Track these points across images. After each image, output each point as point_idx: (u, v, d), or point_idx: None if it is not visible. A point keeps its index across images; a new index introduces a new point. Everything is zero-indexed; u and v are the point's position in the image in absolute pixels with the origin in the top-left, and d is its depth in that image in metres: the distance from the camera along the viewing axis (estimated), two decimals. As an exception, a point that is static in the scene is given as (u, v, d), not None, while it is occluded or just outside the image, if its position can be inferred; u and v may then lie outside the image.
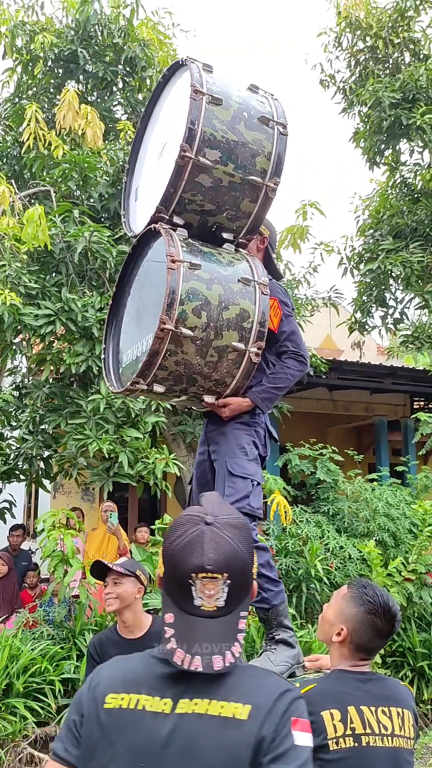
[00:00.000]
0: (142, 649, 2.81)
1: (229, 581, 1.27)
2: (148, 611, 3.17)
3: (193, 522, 1.30)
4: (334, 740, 1.70)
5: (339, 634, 1.88)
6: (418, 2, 10.82)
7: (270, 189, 2.57)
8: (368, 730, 1.73)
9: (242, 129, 2.51)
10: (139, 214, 2.81)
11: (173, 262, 2.34)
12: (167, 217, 2.47)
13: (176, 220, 2.49)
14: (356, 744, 1.71)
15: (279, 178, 2.59)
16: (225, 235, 2.59)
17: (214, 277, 2.44)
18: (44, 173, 7.83)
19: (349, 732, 1.71)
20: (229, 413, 2.56)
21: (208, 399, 2.54)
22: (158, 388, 2.43)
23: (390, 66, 11.20)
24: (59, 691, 5.18)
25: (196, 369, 2.43)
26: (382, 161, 11.37)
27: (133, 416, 6.48)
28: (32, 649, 5.29)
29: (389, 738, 1.75)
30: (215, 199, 2.51)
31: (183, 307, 2.34)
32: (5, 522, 7.77)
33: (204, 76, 2.48)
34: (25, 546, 8.59)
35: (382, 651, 6.13)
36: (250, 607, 2.90)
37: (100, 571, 3.03)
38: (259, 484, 2.56)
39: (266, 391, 2.61)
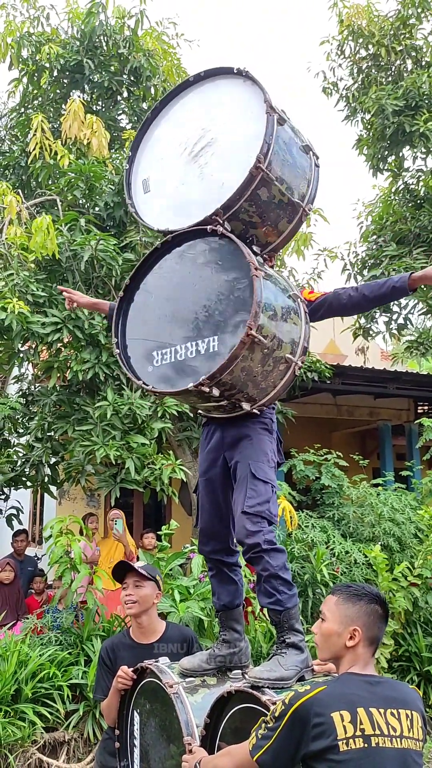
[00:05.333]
0: (156, 654, 2.88)
1: None
2: (159, 616, 3.20)
3: None
4: (344, 741, 1.73)
5: (352, 637, 1.93)
6: (419, 10, 10.89)
7: (304, 213, 2.66)
8: (377, 731, 1.76)
9: (295, 152, 2.60)
10: (154, 208, 2.75)
11: (256, 270, 2.35)
12: (221, 222, 2.49)
13: (227, 225, 2.51)
14: (366, 745, 1.74)
15: (312, 206, 2.68)
16: (254, 248, 2.62)
17: (277, 289, 2.49)
18: (50, 182, 7.90)
19: (358, 733, 1.74)
20: None
21: (245, 406, 2.53)
22: (215, 392, 2.39)
23: (392, 73, 11.26)
24: (67, 696, 5.21)
25: (253, 377, 2.44)
26: (386, 168, 11.42)
27: (140, 422, 6.53)
28: (40, 655, 5.32)
29: (398, 739, 1.79)
30: (263, 214, 2.56)
31: (263, 314, 2.35)
32: (12, 528, 7.82)
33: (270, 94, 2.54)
34: (30, 552, 8.63)
35: (388, 655, 6.16)
36: (256, 611, 2.94)
37: (121, 571, 3.04)
38: (276, 491, 2.61)
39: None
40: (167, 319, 2.55)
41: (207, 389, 2.34)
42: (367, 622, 1.94)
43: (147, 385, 2.48)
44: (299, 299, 2.58)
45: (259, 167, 2.41)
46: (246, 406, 2.52)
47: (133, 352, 2.62)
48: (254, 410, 2.57)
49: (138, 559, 6.32)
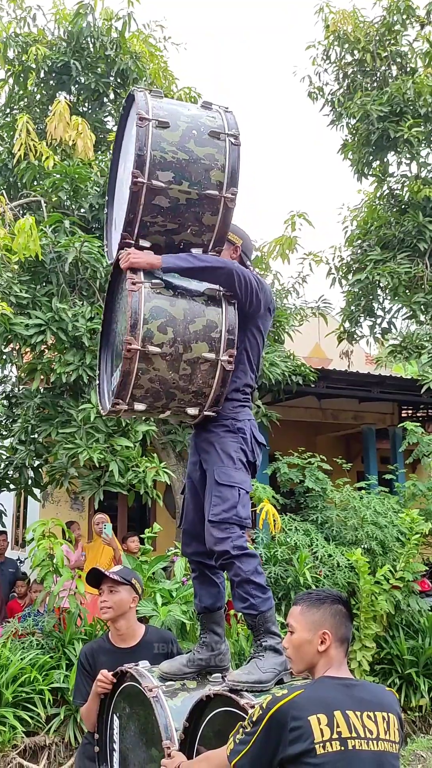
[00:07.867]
0: (136, 658, 2.87)
1: None
2: (139, 619, 3.19)
3: None
4: (321, 744, 1.73)
5: (323, 641, 1.94)
6: (404, 17, 11.00)
7: (228, 200, 2.63)
8: (354, 734, 1.77)
9: (192, 147, 2.57)
10: (114, 243, 2.87)
11: (134, 284, 2.44)
12: (133, 242, 2.56)
13: (143, 243, 2.56)
14: (342, 748, 1.75)
15: (236, 188, 2.64)
16: (194, 251, 2.64)
17: (178, 293, 2.53)
18: (35, 184, 7.87)
19: (335, 736, 1.75)
20: (127, 264, 2.49)
21: (191, 411, 2.59)
22: (139, 407, 2.50)
23: (377, 79, 11.36)
24: (49, 700, 5.17)
25: (171, 384, 2.51)
26: (370, 173, 11.51)
27: (124, 425, 6.51)
28: (21, 659, 5.28)
29: (374, 742, 1.79)
30: (176, 218, 2.58)
31: (147, 326, 2.43)
32: (-5, 530, 7.76)
33: (150, 102, 2.57)
34: (13, 555, 8.56)
35: (370, 658, 6.18)
36: (239, 613, 2.99)
37: (95, 578, 3.03)
38: (247, 492, 2.59)
39: (182, 259, 2.54)
40: (112, 347, 2.77)
41: (125, 407, 2.49)
42: (334, 623, 1.95)
43: (103, 410, 2.74)
44: (220, 293, 2.59)
45: (137, 182, 2.47)
46: (192, 411, 2.59)
47: (102, 381, 2.89)
48: (207, 413, 2.61)
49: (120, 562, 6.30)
